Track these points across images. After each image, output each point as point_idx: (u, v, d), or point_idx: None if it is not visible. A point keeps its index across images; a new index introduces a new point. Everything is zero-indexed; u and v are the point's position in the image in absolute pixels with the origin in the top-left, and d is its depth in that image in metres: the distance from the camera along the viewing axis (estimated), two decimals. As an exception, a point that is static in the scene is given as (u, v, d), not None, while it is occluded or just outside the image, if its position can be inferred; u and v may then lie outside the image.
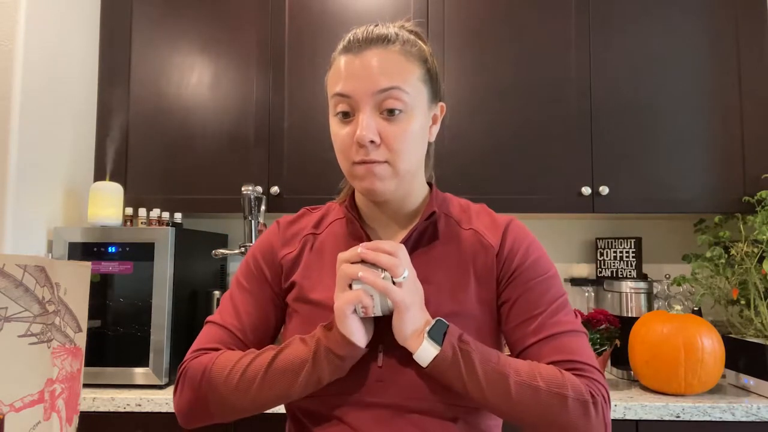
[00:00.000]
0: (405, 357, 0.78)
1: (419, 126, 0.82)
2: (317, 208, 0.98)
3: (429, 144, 0.91)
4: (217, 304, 1.85)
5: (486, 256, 0.86)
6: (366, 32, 0.82)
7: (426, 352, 0.75)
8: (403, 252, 0.77)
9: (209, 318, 0.91)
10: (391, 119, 0.79)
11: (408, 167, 0.82)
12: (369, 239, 0.88)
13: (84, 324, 0.71)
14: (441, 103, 0.90)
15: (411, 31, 0.88)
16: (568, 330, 0.81)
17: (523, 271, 0.84)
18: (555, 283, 0.86)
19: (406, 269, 0.75)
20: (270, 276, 0.91)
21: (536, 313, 0.82)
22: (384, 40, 0.81)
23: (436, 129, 0.89)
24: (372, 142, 0.78)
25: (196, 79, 1.99)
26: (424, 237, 0.88)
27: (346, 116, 0.81)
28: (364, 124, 0.78)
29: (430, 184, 0.95)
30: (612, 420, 1.50)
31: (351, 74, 0.80)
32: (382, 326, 0.80)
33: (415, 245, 0.87)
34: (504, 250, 0.86)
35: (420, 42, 0.86)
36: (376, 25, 0.84)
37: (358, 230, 0.89)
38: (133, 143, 1.97)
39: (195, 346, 0.88)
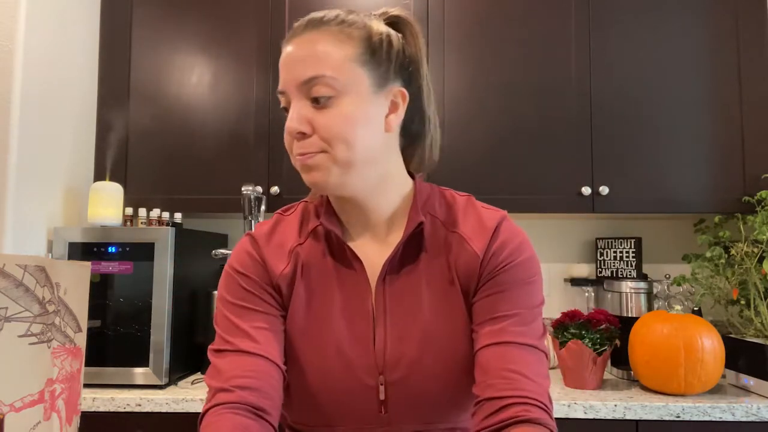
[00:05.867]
0: (407, 387, 0.75)
1: (359, 112, 0.73)
2: (291, 209, 0.87)
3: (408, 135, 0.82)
4: (217, 304, 1.85)
5: (469, 264, 0.78)
6: (307, 17, 0.76)
7: None
8: None
9: (216, 346, 0.77)
10: (319, 107, 0.73)
11: (350, 157, 0.73)
12: (359, 261, 0.79)
13: (84, 324, 0.71)
14: (399, 89, 0.77)
15: (384, 15, 0.81)
16: (522, 343, 0.73)
17: (502, 272, 0.77)
18: (533, 290, 0.77)
19: None
20: (268, 290, 0.80)
21: (501, 315, 0.74)
22: (318, 23, 0.75)
23: (395, 118, 0.77)
24: (302, 133, 0.73)
25: (196, 79, 1.99)
26: (410, 252, 0.80)
27: (287, 111, 0.76)
28: (292, 115, 0.73)
29: (413, 176, 0.86)
30: (612, 420, 1.50)
31: (283, 67, 0.75)
32: (381, 356, 0.76)
33: (401, 263, 0.79)
34: (488, 255, 0.78)
35: (374, 23, 0.77)
36: (332, 11, 0.77)
37: (342, 250, 0.80)
38: (133, 143, 1.97)
39: (216, 382, 0.73)
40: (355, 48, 0.74)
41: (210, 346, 0.78)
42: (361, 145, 0.74)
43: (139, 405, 1.53)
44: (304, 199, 0.87)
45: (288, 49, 0.75)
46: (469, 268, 0.78)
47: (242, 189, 1.81)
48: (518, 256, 0.78)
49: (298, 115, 0.73)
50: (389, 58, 0.76)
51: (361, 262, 0.79)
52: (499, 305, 0.75)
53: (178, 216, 1.94)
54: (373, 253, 0.81)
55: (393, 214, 0.81)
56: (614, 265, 2.09)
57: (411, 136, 0.84)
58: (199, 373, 1.86)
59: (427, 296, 0.78)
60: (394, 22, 0.81)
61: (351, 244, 0.80)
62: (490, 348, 0.73)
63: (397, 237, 0.81)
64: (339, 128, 0.72)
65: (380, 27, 0.77)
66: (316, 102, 0.72)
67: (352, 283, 0.79)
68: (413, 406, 0.76)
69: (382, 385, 0.76)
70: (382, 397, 0.76)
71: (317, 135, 0.73)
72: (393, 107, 0.77)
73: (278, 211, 0.87)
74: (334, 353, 0.76)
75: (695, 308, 1.93)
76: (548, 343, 1.96)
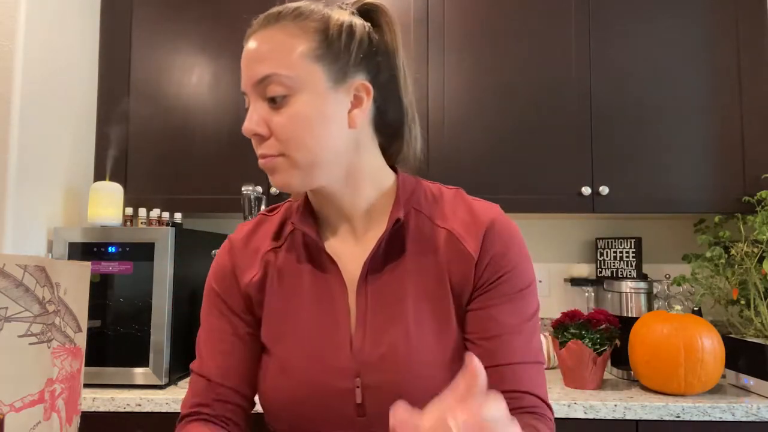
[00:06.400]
0: (386, 390, 0.71)
1: (315, 111, 0.70)
2: (276, 208, 0.85)
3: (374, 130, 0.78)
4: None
5: (463, 266, 0.74)
6: (266, 13, 0.74)
7: None
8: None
9: (192, 365, 0.81)
10: (275, 107, 0.70)
11: (309, 159, 0.71)
12: (333, 263, 0.76)
13: (84, 324, 0.71)
14: (361, 82, 0.73)
15: (357, 3, 0.77)
16: (524, 361, 0.71)
17: (501, 282, 0.73)
18: (528, 299, 0.75)
19: None
20: (237, 308, 0.80)
21: (499, 333, 0.72)
22: (274, 18, 0.72)
23: (359, 113, 0.73)
24: (259, 135, 0.71)
25: (196, 79, 1.99)
26: (394, 249, 0.75)
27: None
28: (250, 115, 0.71)
29: (395, 169, 0.82)
30: (612, 420, 1.50)
31: (242, 65, 0.73)
32: (358, 358, 0.72)
33: (383, 261, 0.75)
34: (485, 259, 0.74)
35: (335, 13, 0.73)
36: (292, 4, 0.74)
37: (317, 252, 0.77)
38: (133, 143, 1.97)
39: (184, 403, 0.79)
40: (309, 42, 0.71)
41: (192, 362, 0.81)
42: (321, 146, 0.71)
43: (139, 405, 1.53)
44: (289, 199, 0.85)
45: (246, 47, 0.73)
46: (464, 270, 0.74)
47: (242, 189, 1.81)
48: (517, 263, 0.74)
49: (255, 115, 0.71)
50: (349, 50, 0.72)
51: (335, 263, 0.76)
52: (498, 319, 0.72)
53: (178, 216, 1.94)
54: (352, 251, 0.78)
55: (371, 209, 0.78)
56: (614, 265, 2.09)
57: (390, 129, 0.80)
58: (199, 373, 1.86)
59: (412, 295, 0.74)
60: (368, 10, 0.77)
61: (328, 243, 0.79)
62: (490, 370, 0.70)
63: (376, 234, 0.77)
64: (294, 130, 0.70)
65: (342, 17, 0.73)
66: (273, 102, 0.70)
67: (328, 285, 0.76)
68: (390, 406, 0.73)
69: (358, 387, 0.72)
70: (358, 400, 0.72)
71: (274, 137, 0.71)
72: (357, 102, 0.73)
73: (263, 210, 0.86)
74: (308, 356, 0.74)
75: (695, 308, 1.93)
76: (548, 344, 1.96)
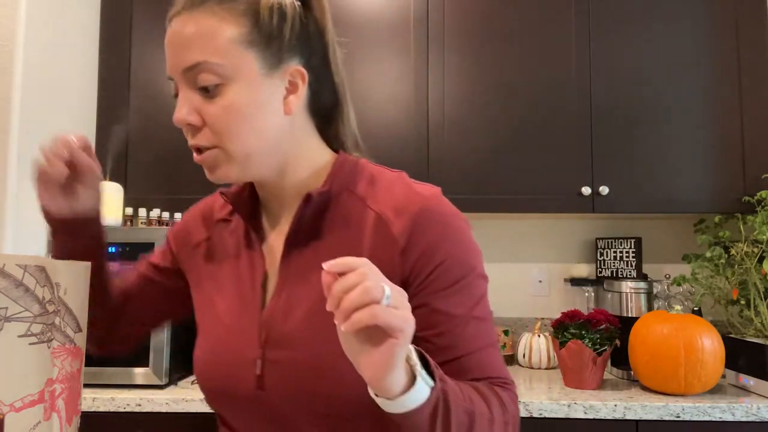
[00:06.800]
0: (287, 367, 0.69)
1: (249, 100, 0.68)
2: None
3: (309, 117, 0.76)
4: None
5: (388, 251, 0.69)
6: None
7: (419, 394, 0.56)
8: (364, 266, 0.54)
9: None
10: (208, 96, 0.68)
11: (245, 150, 0.69)
12: (258, 240, 0.77)
13: (84, 324, 0.71)
14: (296, 68, 0.70)
15: None
16: (479, 348, 0.69)
17: (438, 275, 0.69)
18: (472, 285, 0.70)
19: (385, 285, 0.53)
20: (172, 259, 0.86)
21: (444, 330, 0.68)
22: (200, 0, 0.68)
23: (295, 99, 0.71)
24: (191, 125, 0.69)
25: (196, 79, 1.99)
26: (319, 227, 0.73)
27: (177, 97, 0.72)
28: (180, 104, 0.69)
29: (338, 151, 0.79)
30: (612, 420, 1.50)
31: (166, 49, 0.70)
32: (265, 330, 0.71)
33: (305, 239, 0.73)
34: (413, 248, 0.69)
35: None
36: None
37: (246, 227, 0.79)
38: (133, 143, 1.97)
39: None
40: (239, 27, 0.67)
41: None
42: (256, 137, 0.69)
43: (139, 405, 1.53)
44: None
45: (169, 29, 0.69)
46: (388, 256, 0.69)
47: (242, 189, 1.81)
48: (451, 251, 0.70)
49: (186, 105, 0.69)
50: (281, 34, 0.69)
51: (259, 240, 0.77)
52: (444, 312, 0.69)
53: (178, 216, 1.94)
54: (284, 229, 0.76)
55: (303, 190, 0.75)
56: (614, 265, 2.09)
57: (325, 110, 0.78)
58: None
59: None
60: None
61: (264, 221, 0.79)
62: (448, 364, 0.67)
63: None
64: (229, 122, 0.67)
65: None
66: (205, 91, 0.68)
67: (251, 261, 0.77)
68: (292, 391, 0.68)
69: (259, 359, 0.70)
70: (258, 371, 0.70)
71: (208, 128, 0.69)
72: (292, 88, 0.71)
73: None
74: (223, 325, 0.75)
75: (695, 308, 1.93)
76: (548, 344, 1.96)
